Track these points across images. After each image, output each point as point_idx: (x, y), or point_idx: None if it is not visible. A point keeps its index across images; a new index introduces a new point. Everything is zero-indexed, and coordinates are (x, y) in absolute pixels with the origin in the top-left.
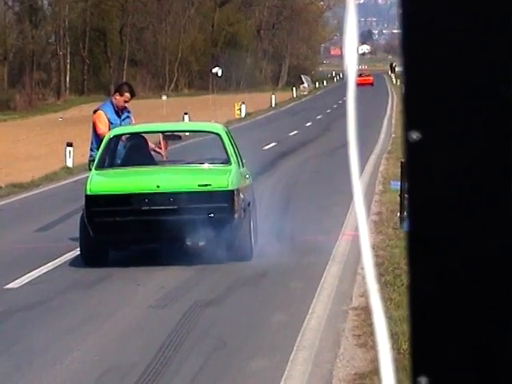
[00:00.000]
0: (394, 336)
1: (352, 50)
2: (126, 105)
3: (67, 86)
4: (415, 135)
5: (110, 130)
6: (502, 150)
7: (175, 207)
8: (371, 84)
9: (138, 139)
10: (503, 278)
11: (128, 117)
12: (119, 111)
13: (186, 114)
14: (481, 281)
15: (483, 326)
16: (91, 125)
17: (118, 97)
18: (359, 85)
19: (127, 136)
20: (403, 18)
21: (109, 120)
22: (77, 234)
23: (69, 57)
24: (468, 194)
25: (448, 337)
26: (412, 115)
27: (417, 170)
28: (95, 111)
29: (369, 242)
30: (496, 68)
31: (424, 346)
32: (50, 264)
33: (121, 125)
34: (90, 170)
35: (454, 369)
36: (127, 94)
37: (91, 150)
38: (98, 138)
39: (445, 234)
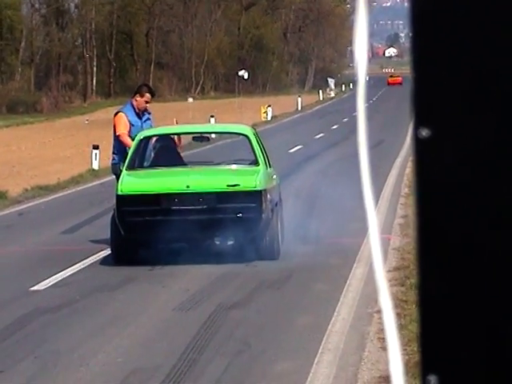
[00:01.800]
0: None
1: (362, 51)
2: (147, 106)
3: (94, 88)
4: (425, 132)
5: (130, 131)
6: (511, 146)
7: (204, 207)
8: (400, 83)
9: (167, 140)
10: None
11: (149, 118)
12: (140, 113)
13: (212, 116)
14: (491, 278)
15: (492, 324)
16: (112, 128)
17: (138, 98)
18: (390, 84)
19: (156, 138)
20: (412, 15)
21: (130, 122)
22: (102, 236)
23: (95, 59)
24: (478, 191)
25: (457, 335)
26: (421, 112)
27: (426, 167)
28: (116, 113)
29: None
30: (504, 64)
31: (433, 345)
32: (75, 266)
33: (142, 127)
34: (114, 174)
35: (464, 367)
36: (148, 95)
37: (113, 153)
38: (118, 140)
39: (454, 231)
